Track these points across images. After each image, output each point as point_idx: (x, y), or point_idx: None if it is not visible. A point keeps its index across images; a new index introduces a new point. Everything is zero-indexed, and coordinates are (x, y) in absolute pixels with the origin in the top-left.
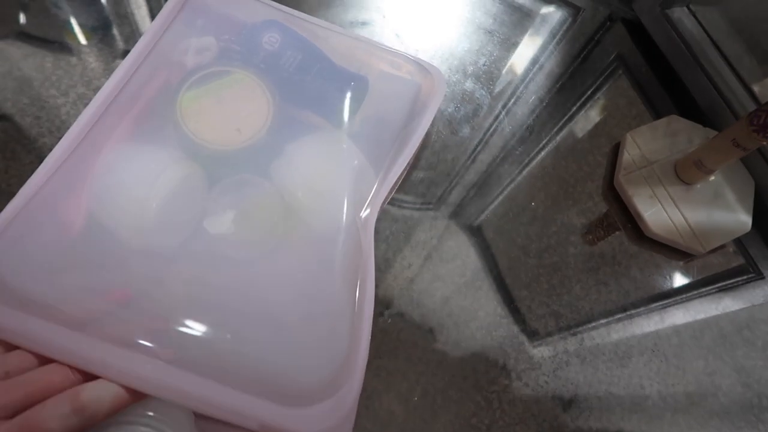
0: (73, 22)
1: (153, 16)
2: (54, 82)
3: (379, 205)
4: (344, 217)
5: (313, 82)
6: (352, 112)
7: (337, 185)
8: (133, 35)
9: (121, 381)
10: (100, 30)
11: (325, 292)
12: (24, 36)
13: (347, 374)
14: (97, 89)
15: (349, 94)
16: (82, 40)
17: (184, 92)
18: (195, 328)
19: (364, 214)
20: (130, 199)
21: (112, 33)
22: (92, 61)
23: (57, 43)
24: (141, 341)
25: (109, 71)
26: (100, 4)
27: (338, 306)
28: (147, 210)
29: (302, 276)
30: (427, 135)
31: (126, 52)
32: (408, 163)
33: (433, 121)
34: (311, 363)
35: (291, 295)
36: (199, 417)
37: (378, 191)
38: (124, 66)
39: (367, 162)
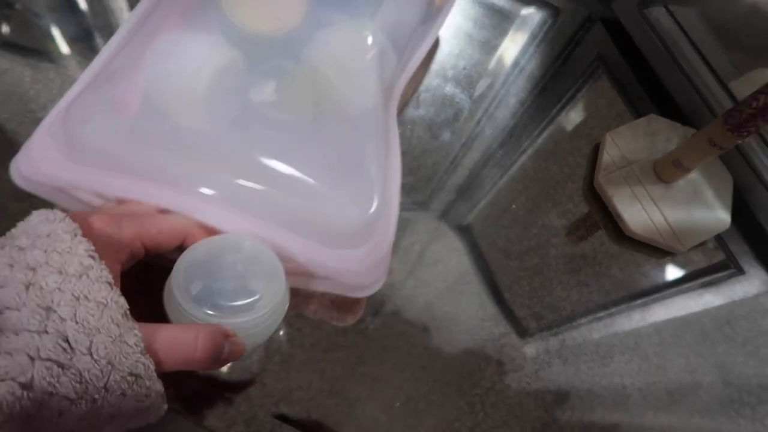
0: (55, 32)
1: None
2: (32, 96)
3: (402, 88)
4: (372, 96)
5: None
6: (375, 8)
7: (364, 67)
8: (110, 28)
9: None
10: (80, 40)
11: (359, 157)
12: (8, 46)
13: (380, 227)
14: None
15: None
16: (64, 50)
17: None
18: (250, 180)
19: (389, 95)
20: (181, 81)
21: (94, 44)
22: (74, 72)
23: (37, 53)
24: (197, 186)
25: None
26: (82, 14)
27: (369, 169)
28: (196, 90)
29: (339, 143)
30: (408, 139)
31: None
32: (424, 55)
33: (412, 126)
34: (350, 212)
35: (330, 158)
36: None
37: (400, 76)
38: None
39: (390, 50)
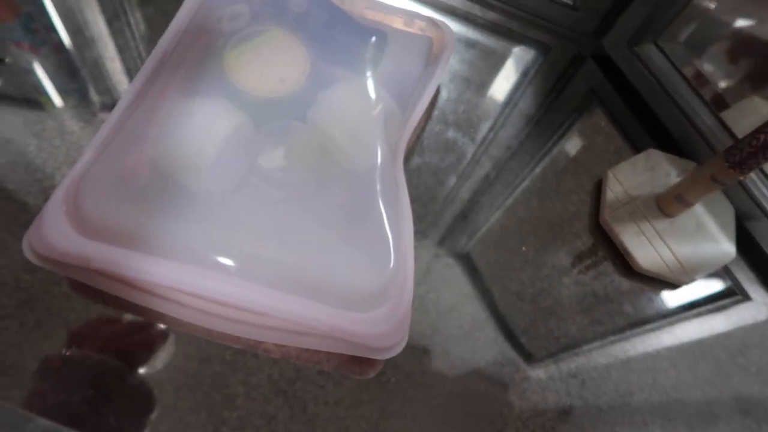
0: (48, 85)
1: (131, 76)
2: (39, 165)
3: (406, 141)
4: (379, 153)
5: (340, 38)
6: (376, 63)
7: (369, 126)
8: (109, 92)
9: (199, 294)
10: (76, 92)
11: (370, 217)
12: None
13: (398, 284)
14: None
15: (372, 48)
16: (58, 103)
17: (228, 50)
18: (260, 246)
19: (394, 149)
20: (189, 148)
21: (89, 96)
22: (72, 124)
23: (34, 104)
24: (213, 258)
25: (90, 129)
26: (75, 66)
27: (382, 227)
28: (205, 156)
29: (349, 202)
30: (415, 186)
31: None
32: (426, 105)
33: (418, 173)
34: (365, 275)
35: (341, 220)
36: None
37: (405, 127)
38: (167, 37)
39: (393, 105)
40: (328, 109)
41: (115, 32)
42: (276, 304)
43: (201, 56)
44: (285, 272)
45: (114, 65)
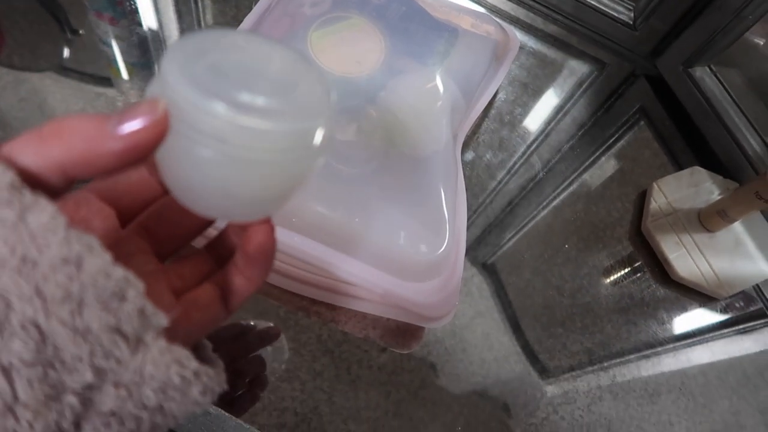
0: (118, 58)
1: None
2: None
3: (467, 129)
4: (443, 139)
5: (415, 30)
6: (445, 57)
7: (435, 113)
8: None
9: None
10: (144, 67)
11: (430, 196)
12: (66, 71)
13: (450, 261)
14: None
15: (443, 42)
16: (125, 75)
17: (313, 31)
18: (329, 211)
19: (455, 139)
20: None
21: (153, 71)
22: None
23: (98, 78)
24: (293, 219)
25: None
26: (147, 42)
27: (440, 207)
28: None
29: (412, 181)
30: (468, 178)
31: None
32: (487, 102)
33: (472, 166)
34: (422, 249)
35: (403, 196)
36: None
37: (466, 122)
38: (254, 14)
39: (459, 96)
40: (398, 95)
41: (183, 15)
42: (338, 263)
43: (285, 36)
44: (349, 237)
45: None
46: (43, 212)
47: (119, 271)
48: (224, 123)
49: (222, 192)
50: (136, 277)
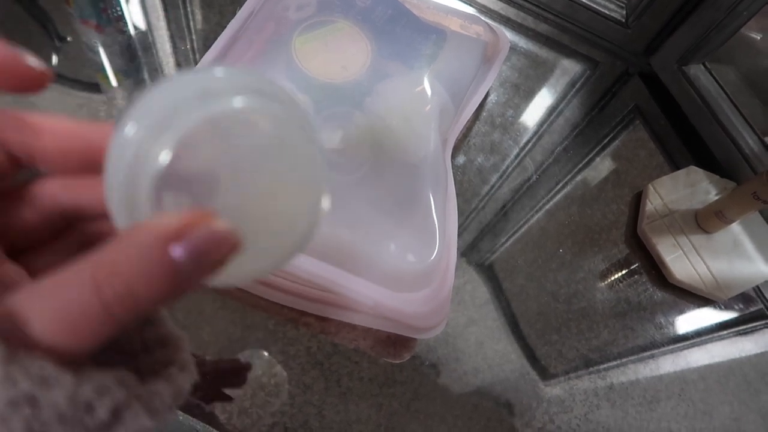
0: (106, 65)
1: (187, 62)
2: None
3: (457, 133)
4: (431, 145)
5: (401, 33)
6: (433, 60)
7: (423, 118)
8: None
9: None
10: (132, 74)
11: (419, 203)
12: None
13: (441, 270)
14: None
15: (431, 45)
16: (114, 82)
17: (297, 36)
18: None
19: (444, 143)
20: None
21: (145, 79)
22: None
23: (87, 84)
24: None
25: None
26: (134, 48)
27: (430, 214)
28: None
29: (399, 189)
30: (459, 182)
31: None
32: (477, 105)
33: (463, 170)
34: (411, 258)
35: (391, 204)
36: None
37: (455, 126)
38: (237, 19)
39: (448, 100)
40: (385, 99)
41: (171, 20)
42: (326, 275)
43: (268, 41)
44: (336, 247)
45: (167, 50)
46: None
47: None
48: None
49: None
50: None
